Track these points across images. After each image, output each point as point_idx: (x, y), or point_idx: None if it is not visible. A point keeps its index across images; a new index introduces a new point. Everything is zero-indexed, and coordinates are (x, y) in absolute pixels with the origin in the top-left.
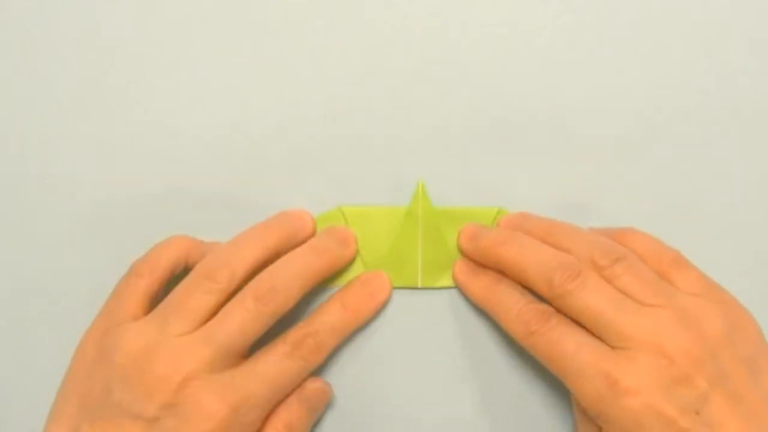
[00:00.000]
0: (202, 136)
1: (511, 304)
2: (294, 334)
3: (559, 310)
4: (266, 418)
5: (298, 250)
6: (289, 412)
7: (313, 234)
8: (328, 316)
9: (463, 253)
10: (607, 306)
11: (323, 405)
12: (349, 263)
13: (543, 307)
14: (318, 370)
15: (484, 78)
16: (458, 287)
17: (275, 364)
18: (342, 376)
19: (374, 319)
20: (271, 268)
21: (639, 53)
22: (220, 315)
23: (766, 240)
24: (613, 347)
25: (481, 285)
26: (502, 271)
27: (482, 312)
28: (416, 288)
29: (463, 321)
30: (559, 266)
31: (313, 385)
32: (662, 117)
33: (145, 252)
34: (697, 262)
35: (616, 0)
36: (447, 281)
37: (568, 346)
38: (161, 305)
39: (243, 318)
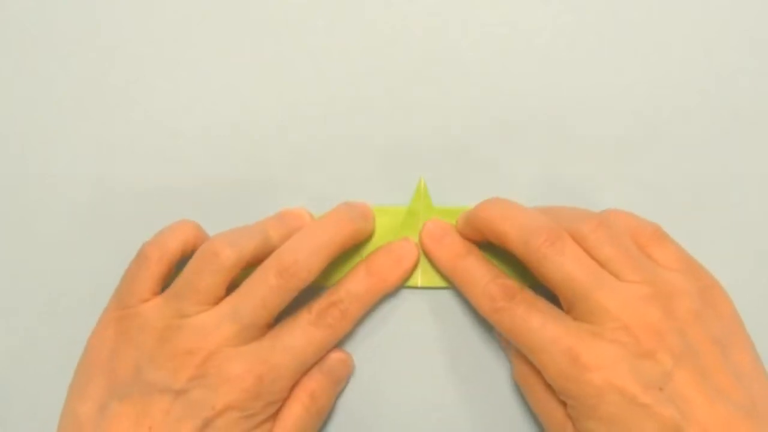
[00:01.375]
0: (202, 136)
1: (477, 277)
2: (319, 303)
3: (536, 275)
4: (291, 388)
5: (318, 222)
6: (312, 382)
7: None
8: (354, 284)
9: (461, 233)
10: (584, 275)
11: (346, 376)
12: (369, 237)
13: (509, 282)
14: None
15: (484, 78)
16: (424, 253)
17: (301, 333)
18: None
19: (375, 319)
20: (291, 241)
21: (639, 53)
22: (242, 289)
23: (766, 240)
24: (582, 318)
25: (450, 254)
26: (485, 238)
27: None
28: (416, 288)
29: (463, 321)
30: (539, 228)
31: (335, 356)
32: (662, 117)
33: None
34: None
35: (616, 0)
36: (446, 281)
37: (533, 322)
38: (172, 287)
39: (265, 293)
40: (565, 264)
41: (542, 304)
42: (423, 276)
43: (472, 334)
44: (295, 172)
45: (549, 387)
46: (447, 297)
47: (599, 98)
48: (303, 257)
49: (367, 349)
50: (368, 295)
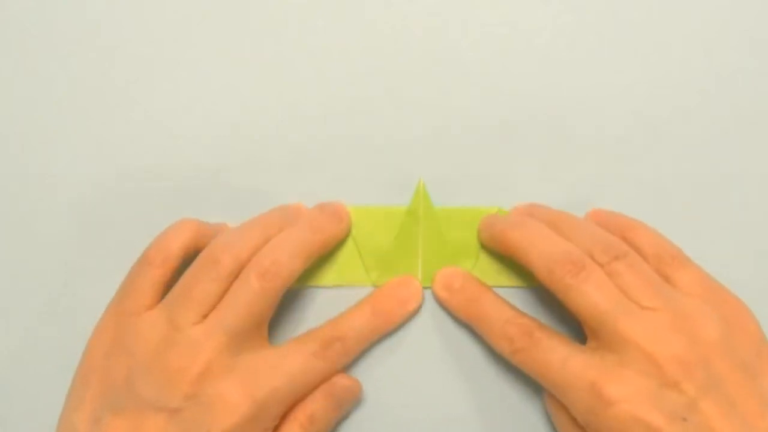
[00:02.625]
0: (202, 136)
1: (493, 320)
2: (324, 334)
3: (561, 302)
4: (289, 411)
5: (294, 227)
6: (314, 404)
7: None
8: (358, 321)
9: (482, 243)
10: (607, 305)
11: (351, 402)
12: (345, 238)
13: (525, 320)
14: None
15: (484, 78)
16: (440, 303)
17: (302, 361)
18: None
19: None
20: (269, 245)
21: (639, 53)
22: (226, 298)
23: (766, 240)
24: (605, 348)
25: (463, 300)
26: (509, 257)
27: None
28: None
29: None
30: (563, 258)
31: (341, 382)
32: (662, 117)
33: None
34: (696, 262)
35: (616, 0)
36: None
37: (553, 360)
38: (170, 295)
39: (249, 297)
40: (589, 293)
41: (561, 339)
42: (423, 276)
43: (473, 333)
44: (295, 172)
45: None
46: None
47: (599, 98)
48: (283, 258)
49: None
50: (372, 334)
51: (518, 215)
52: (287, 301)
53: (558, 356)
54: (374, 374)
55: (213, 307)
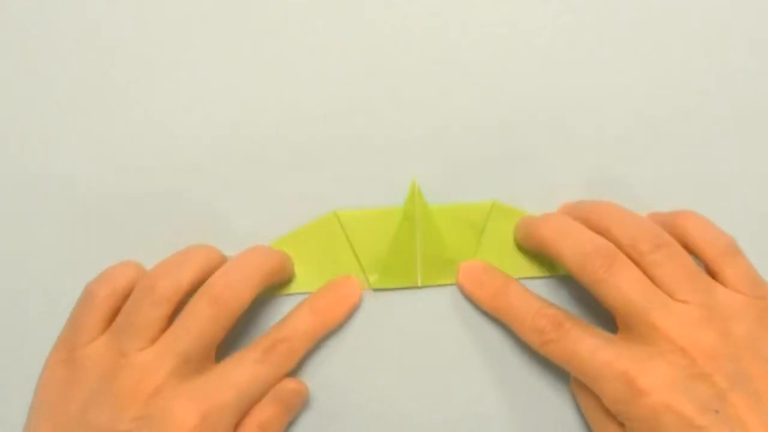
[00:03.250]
0: (202, 136)
1: (522, 312)
2: (265, 340)
3: (593, 296)
4: (241, 421)
5: (246, 252)
6: (263, 412)
7: None
8: (299, 322)
9: (518, 243)
10: (640, 298)
11: (299, 405)
12: (292, 272)
13: (554, 311)
14: (317, 371)
15: (483, 78)
16: (465, 295)
17: (246, 370)
18: (341, 376)
19: (375, 319)
20: (220, 270)
21: (639, 53)
22: (177, 323)
23: (767, 240)
24: (637, 340)
25: (489, 293)
26: (543, 254)
27: (482, 309)
28: (416, 287)
29: (465, 318)
30: (595, 251)
31: (288, 386)
32: (662, 117)
33: (99, 273)
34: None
35: (616, 0)
36: (447, 279)
37: (584, 350)
38: (114, 325)
39: (200, 323)
40: (621, 287)
41: (591, 329)
42: (423, 275)
43: (474, 332)
44: (295, 172)
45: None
46: (448, 295)
47: (599, 98)
48: (234, 284)
49: (367, 349)
50: (313, 333)
51: (553, 213)
52: (287, 308)
53: (588, 346)
54: (374, 370)
55: (158, 332)
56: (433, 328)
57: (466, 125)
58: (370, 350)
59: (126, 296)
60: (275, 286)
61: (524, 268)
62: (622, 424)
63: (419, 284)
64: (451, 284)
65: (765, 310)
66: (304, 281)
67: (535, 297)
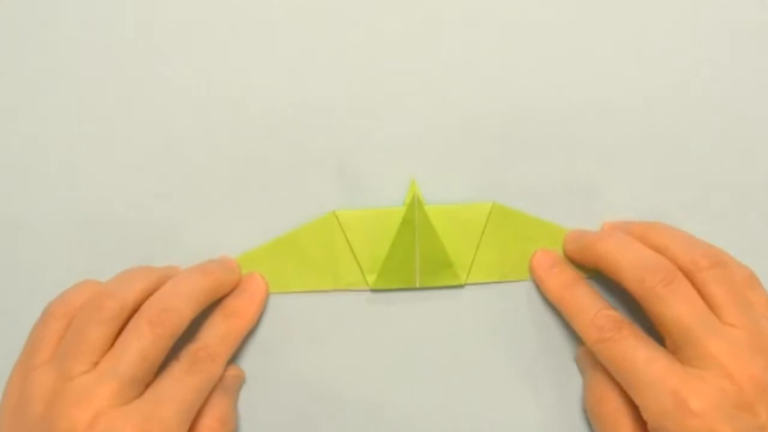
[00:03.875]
0: (202, 136)
1: (586, 307)
2: (186, 352)
3: (646, 312)
4: (195, 422)
5: (184, 272)
6: (217, 408)
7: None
8: (213, 328)
9: (567, 256)
10: (694, 320)
11: (240, 386)
12: (233, 288)
13: (617, 314)
14: (315, 372)
15: (483, 78)
16: (534, 281)
17: (179, 383)
18: (340, 376)
19: (374, 320)
20: (159, 291)
21: (639, 53)
22: (117, 345)
23: (767, 240)
24: (686, 362)
25: (559, 283)
26: (597, 268)
27: (480, 311)
28: (414, 288)
29: (462, 320)
30: (654, 267)
31: (230, 373)
32: (662, 117)
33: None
34: None
35: (616, 0)
36: (445, 280)
37: (638, 357)
38: (60, 347)
39: (141, 344)
40: (677, 306)
41: (649, 340)
42: (421, 276)
43: (471, 333)
44: (294, 172)
45: (634, 421)
46: (446, 295)
47: (600, 98)
48: (172, 304)
49: (365, 349)
50: (231, 335)
51: (607, 229)
52: (286, 308)
53: (644, 355)
54: (373, 370)
55: (101, 353)
56: (432, 328)
57: (466, 125)
58: (370, 350)
59: None
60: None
61: (523, 270)
62: (627, 404)
63: (417, 285)
64: (448, 286)
65: None
66: (303, 281)
67: (601, 298)
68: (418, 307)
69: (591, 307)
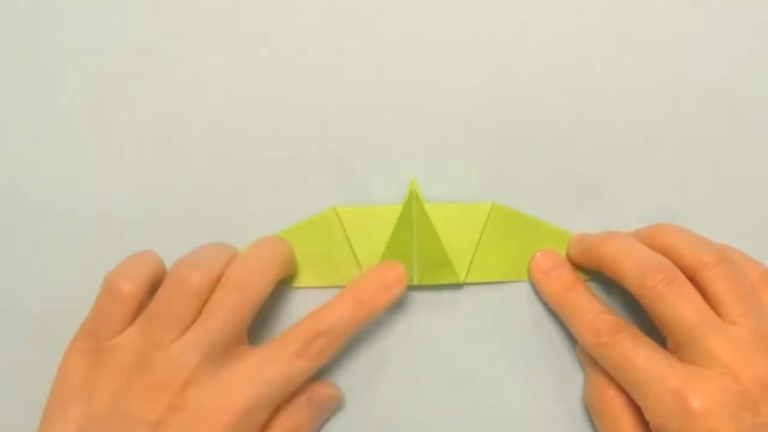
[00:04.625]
0: (202, 137)
1: (584, 311)
2: (304, 331)
3: (647, 312)
4: (272, 416)
5: (265, 239)
6: (299, 414)
7: None
8: (341, 313)
9: (571, 259)
10: (696, 318)
11: (333, 411)
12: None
13: (615, 317)
14: None
15: (483, 78)
16: (533, 284)
17: (283, 364)
18: (336, 372)
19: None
20: (240, 259)
21: (639, 53)
22: (204, 313)
23: (767, 240)
24: (689, 361)
25: (557, 287)
26: (601, 270)
27: (478, 311)
28: (413, 286)
29: (461, 319)
30: (655, 267)
31: (325, 390)
32: (662, 117)
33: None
34: None
35: (616, 0)
36: (443, 278)
37: (638, 359)
38: (144, 315)
39: (225, 311)
40: (679, 305)
41: (648, 341)
42: (419, 274)
43: (469, 332)
44: (294, 172)
45: (636, 417)
46: (444, 294)
47: (600, 99)
48: (257, 270)
49: (364, 349)
50: (355, 325)
51: (612, 232)
52: (283, 304)
53: (643, 357)
54: (372, 369)
55: (189, 324)
56: (431, 327)
57: (466, 126)
58: (367, 347)
59: (150, 287)
60: (287, 275)
61: (523, 270)
62: (628, 401)
63: (415, 282)
64: (446, 284)
65: None
66: (302, 276)
67: (600, 301)
68: (417, 305)
69: (589, 311)
